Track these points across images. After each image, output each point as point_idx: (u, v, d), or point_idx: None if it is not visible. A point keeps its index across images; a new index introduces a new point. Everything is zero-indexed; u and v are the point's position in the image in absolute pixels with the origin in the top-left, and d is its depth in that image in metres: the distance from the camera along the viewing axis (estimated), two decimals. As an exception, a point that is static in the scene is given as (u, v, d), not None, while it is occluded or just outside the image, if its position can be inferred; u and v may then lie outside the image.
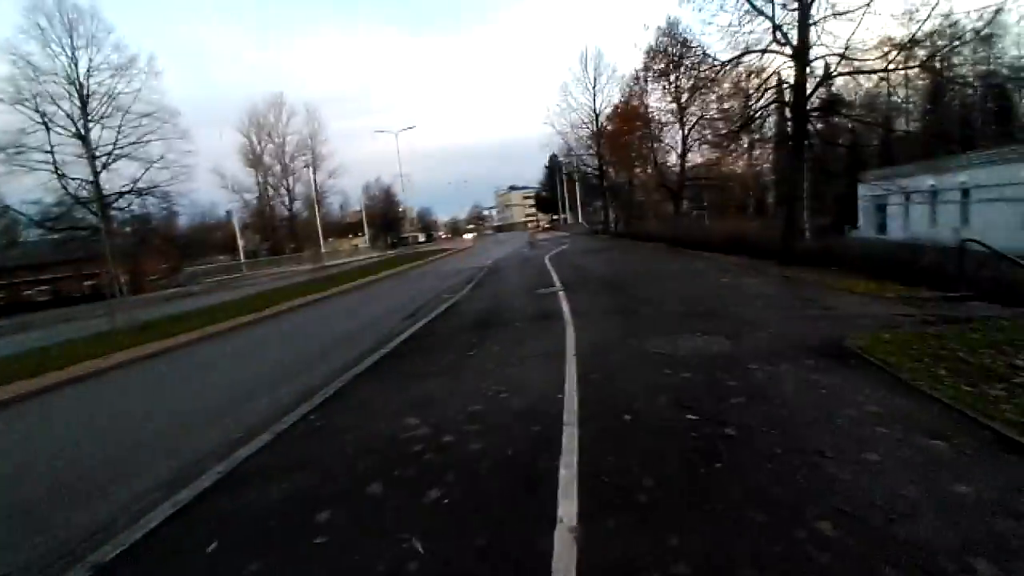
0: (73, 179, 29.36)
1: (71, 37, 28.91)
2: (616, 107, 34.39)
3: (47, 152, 28.56)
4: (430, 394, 5.17)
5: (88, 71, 29.48)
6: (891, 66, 11.76)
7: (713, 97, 21.07)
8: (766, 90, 14.11)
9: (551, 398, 4.58)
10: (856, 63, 12.09)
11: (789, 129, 14.52)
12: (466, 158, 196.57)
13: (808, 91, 12.64)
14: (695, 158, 29.13)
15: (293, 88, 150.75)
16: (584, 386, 4.80)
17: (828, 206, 31.13)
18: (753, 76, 14.16)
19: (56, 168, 28.76)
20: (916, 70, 13.27)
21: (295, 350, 8.98)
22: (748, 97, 17.57)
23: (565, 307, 9.30)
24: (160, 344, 9.74)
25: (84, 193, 29.85)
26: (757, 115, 17.09)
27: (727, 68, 14.67)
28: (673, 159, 28.92)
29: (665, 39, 21.67)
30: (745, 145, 26.22)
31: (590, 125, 39.87)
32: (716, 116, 21.19)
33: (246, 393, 6.38)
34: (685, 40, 18.82)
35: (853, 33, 11.39)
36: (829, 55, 12.34)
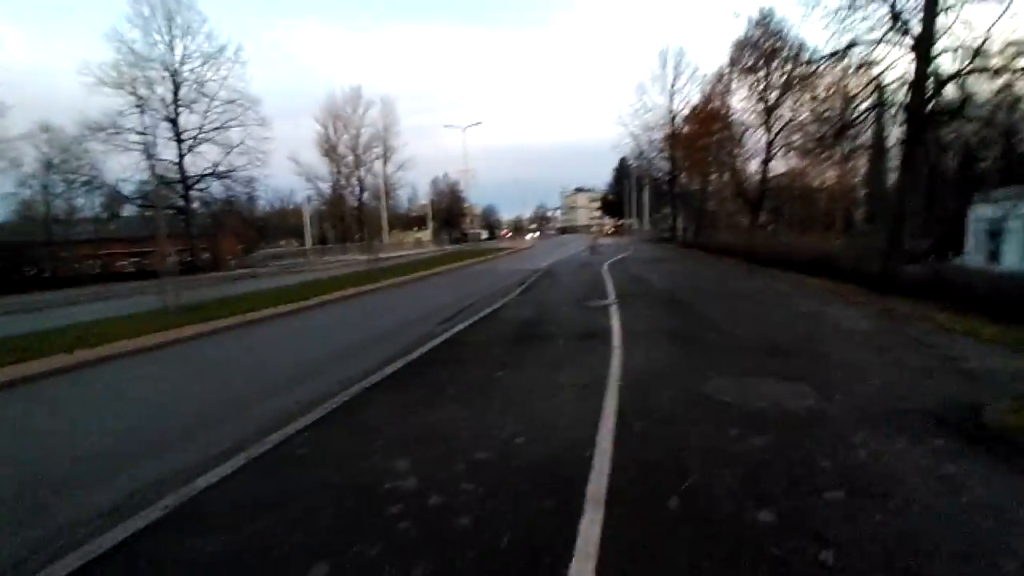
0: (161, 160, 31.29)
1: (170, 25, 30.77)
2: (695, 108, 32.32)
3: (140, 134, 30.53)
4: (438, 426, 4.32)
5: (183, 58, 31.30)
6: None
7: (807, 98, 19.05)
8: (877, 88, 12.20)
9: (578, 455, 3.59)
10: (994, 60, 10.08)
11: (900, 135, 12.54)
12: (534, 157, 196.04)
13: (929, 91, 10.72)
14: (777, 167, 26.74)
15: (371, 81, 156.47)
16: (622, 440, 3.78)
17: (926, 227, 27.60)
18: (861, 71, 12.29)
19: (147, 149, 30.71)
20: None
21: (319, 348, 8.43)
22: (850, 98, 15.59)
23: (616, 325, 8.21)
24: (193, 329, 9.58)
25: (171, 174, 31.79)
26: (860, 118, 15.10)
27: (828, 63, 12.89)
28: (753, 167, 26.68)
29: (756, 31, 19.76)
30: (840, 154, 23.72)
31: (665, 127, 37.92)
32: (809, 120, 19.10)
33: (246, 398, 5.79)
34: (779, 31, 16.93)
35: (995, 23, 9.44)
36: (958, 47, 10.39)
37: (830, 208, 35.72)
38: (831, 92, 16.69)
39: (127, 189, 33.71)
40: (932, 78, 10.71)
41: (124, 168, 34.00)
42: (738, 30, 33.20)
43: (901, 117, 13.06)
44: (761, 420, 4.04)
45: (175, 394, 6.36)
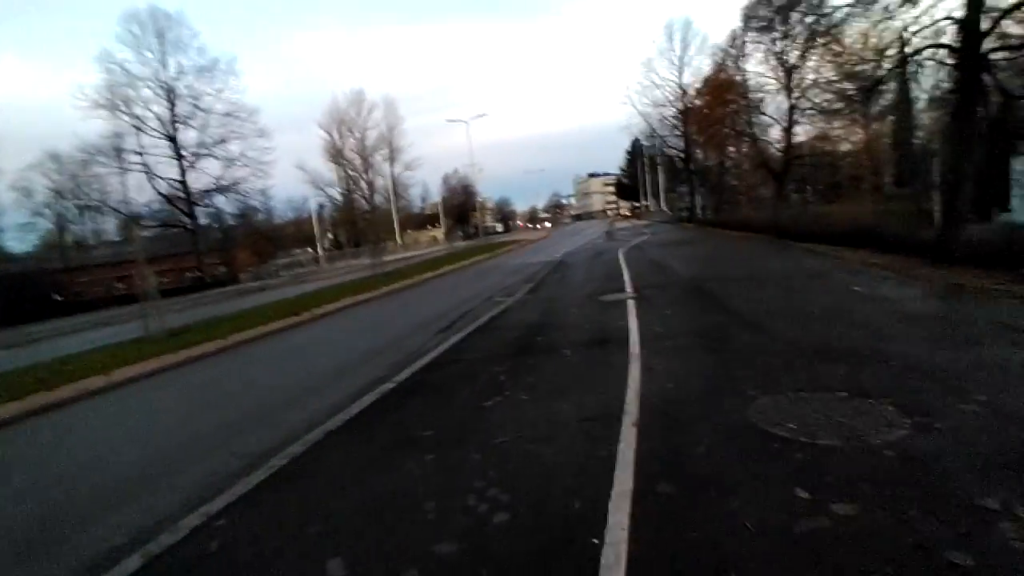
0: (163, 179, 30.99)
1: (161, 42, 30.35)
2: (707, 79, 30.52)
3: (138, 154, 30.24)
4: (395, 497, 3.26)
5: (176, 74, 30.86)
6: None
7: (830, 54, 17.35)
8: (914, 35, 10.63)
9: (579, 546, 2.49)
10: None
11: (946, 84, 10.98)
12: (544, 146, 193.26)
13: (987, 26, 9.18)
14: (801, 133, 24.87)
15: (372, 83, 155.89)
16: (644, 516, 2.65)
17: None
18: (903, 7, 10.73)
19: (147, 169, 30.41)
20: None
21: (288, 379, 7.38)
22: (881, 49, 13.95)
23: (633, 326, 7.04)
24: (157, 362, 8.71)
25: (175, 192, 31.48)
26: (894, 70, 13.49)
27: (857, 6, 11.35)
28: (775, 134, 24.85)
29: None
30: (869, 113, 21.84)
31: (676, 103, 36.12)
32: (835, 78, 17.40)
33: (172, 460, 4.79)
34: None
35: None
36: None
37: (857, 173, 33.52)
38: (859, 44, 15.09)
39: (135, 210, 33.50)
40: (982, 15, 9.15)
41: (129, 189, 33.90)
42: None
43: (934, 67, 11.53)
44: (839, 469, 2.86)
45: (93, 455, 5.47)
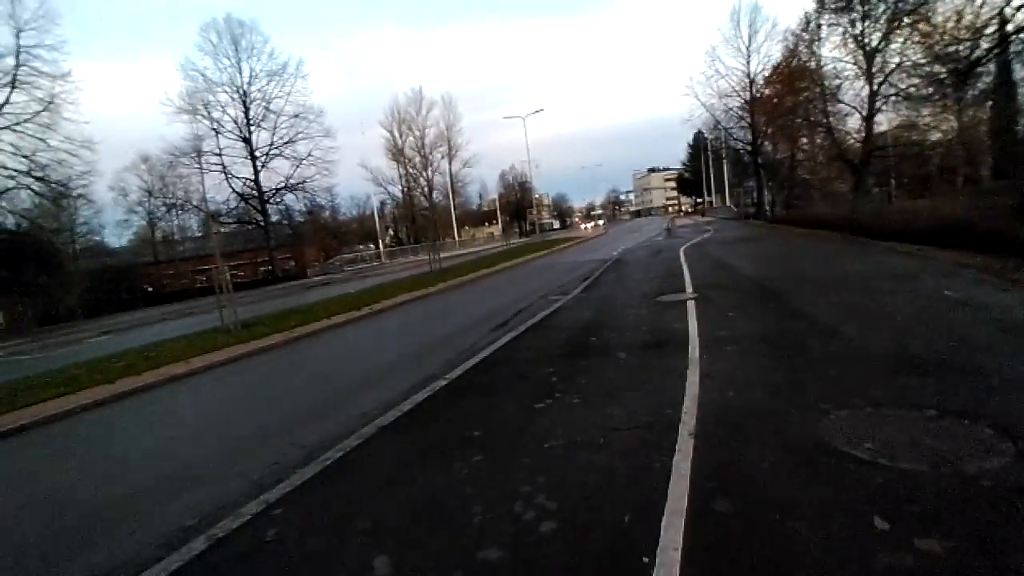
0: (239, 178, 33.08)
1: (236, 49, 32.34)
2: (777, 66, 28.85)
3: (217, 155, 32.42)
4: (444, 496, 3.26)
5: (250, 79, 32.82)
6: None
7: (919, 35, 15.89)
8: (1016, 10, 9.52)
9: (629, 560, 2.38)
10: None
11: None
12: (601, 141, 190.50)
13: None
14: (882, 122, 22.96)
15: (432, 81, 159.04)
16: (699, 540, 2.49)
17: (998, 170, 21.92)
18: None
19: (224, 168, 32.56)
20: None
21: (347, 371, 7.72)
22: (977, 29, 12.67)
23: (693, 329, 6.73)
24: (229, 351, 9.30)
25: (249, 190, 33.54)
26: (994, 50, 12.21)
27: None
28: (853, 123, 23.10)
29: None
30: (963, 99, 19.81)
31: (743, 93, 34.40)
32: (924, 61, 15.94)
33: (239, 448, 5.06)
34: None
35: None
36: None
37: (949, 165, 30.56)
38: (951, 23, 13.73)
39: (214, 208, 35.98)
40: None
41: (208, 189, 36.45)
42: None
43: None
44: (925, 499, 2.57)
45: (172, 438, 5.87)
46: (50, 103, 25.54)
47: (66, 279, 29.18)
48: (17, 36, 24.93)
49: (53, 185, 27.05)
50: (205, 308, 21.64)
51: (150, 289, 39.08)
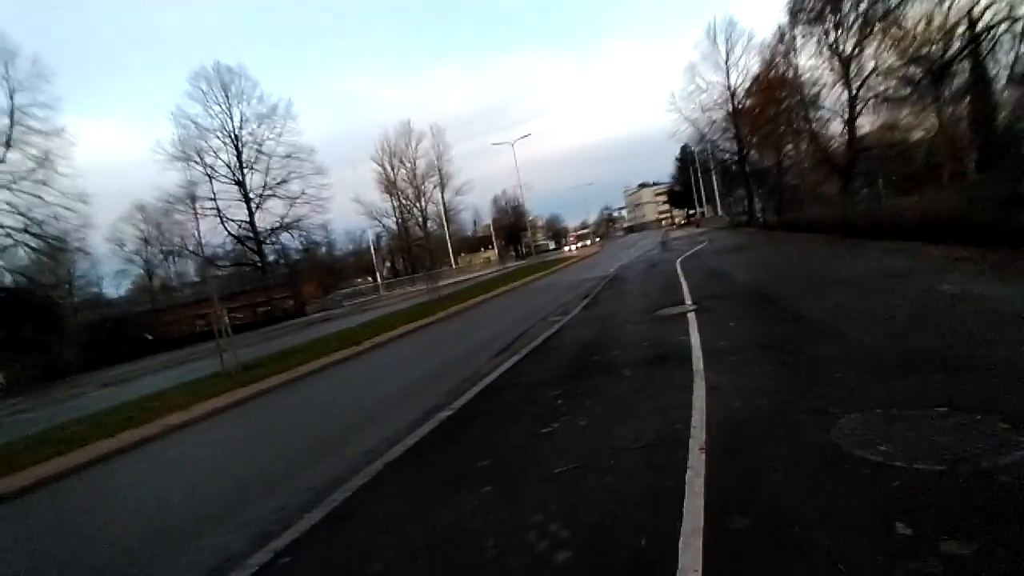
0: (233, 220, 33.34)
1: (227, 95, 32.96)
2: (756, 77, 29.46)
3: (212, 199, 32.74)
4: (454, 531, 3.18)
5: (240, 123, 33.38)
6: None
7: (891, 39, 16.28)
8: (985, 9, 9.78)
9: (647, 592, 2.31)
10: None
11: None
12: (591, 160, 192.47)
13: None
14: (864, 124, 23.32)
15: (419, 112, 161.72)
16: (717, 555, 2.43)
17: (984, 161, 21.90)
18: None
19: (219, 212, 32.83)
20: None
21: (349, 408, 7.65)
22: (948, 30, 13.00)
23: (695, 340, 6.70)
24: (229, 397, 9.17)
25: (244, 232, 33.78)
26: (966, 49, 12.48)
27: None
28: (836, 128, 23.48)
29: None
30: (939, 97, 20.17)
31: (725, 105, 35.05)
32: (898, 64, 16.30)
33: (242, 496, 4.98)
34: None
35: None
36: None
37: (932, 161, 30.95)
38: (922, 26, 14.09)
39: (210, 251, 36.14)
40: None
41: (204, 233, 36.66)
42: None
43: (1011, 41, 10.49)
44: (945, 500, 2.52)
45: (174, 490, 5.75)
46: (44, 159, 25.89)
47: (65, 334, 29.08)
48: (11, 97, 25.42)
49: (50, 240, 27.19)
50: (205, 353, 21.48)
51: (150, 337, 38.93)
